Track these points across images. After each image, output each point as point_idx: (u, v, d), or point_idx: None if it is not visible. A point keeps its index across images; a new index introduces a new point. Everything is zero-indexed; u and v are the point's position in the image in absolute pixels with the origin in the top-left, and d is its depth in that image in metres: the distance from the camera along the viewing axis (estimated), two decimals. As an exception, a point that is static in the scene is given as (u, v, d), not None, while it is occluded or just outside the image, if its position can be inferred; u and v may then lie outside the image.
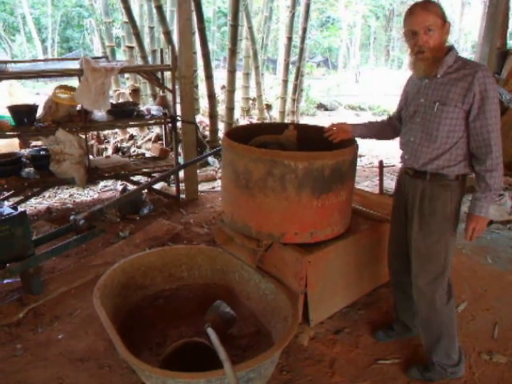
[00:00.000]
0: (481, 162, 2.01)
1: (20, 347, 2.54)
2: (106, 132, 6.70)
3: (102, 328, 2.25)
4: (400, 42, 26.13)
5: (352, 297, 2.96)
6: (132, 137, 6.77)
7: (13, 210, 2.82)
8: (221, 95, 8.61)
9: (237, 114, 8.15)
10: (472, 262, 3.59)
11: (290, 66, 8.88)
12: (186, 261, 2.87)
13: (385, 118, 2.65)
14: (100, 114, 4.42)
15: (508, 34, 6.11)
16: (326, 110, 13.01)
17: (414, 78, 2.24)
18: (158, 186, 5.07)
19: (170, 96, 4.93)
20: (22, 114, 4.08)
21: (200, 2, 5.88)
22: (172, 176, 5.06)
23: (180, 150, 5.09)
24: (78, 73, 4.05)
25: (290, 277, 2.60)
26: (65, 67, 4.95)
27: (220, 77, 8.85)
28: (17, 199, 4.51)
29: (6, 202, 4.18)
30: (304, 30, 8.29)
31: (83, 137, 4.43)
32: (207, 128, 6.95)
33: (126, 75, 7.48)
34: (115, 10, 14.74)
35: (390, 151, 7.69)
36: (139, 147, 6.37)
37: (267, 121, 8.84)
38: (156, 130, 6.59)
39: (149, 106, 5.33)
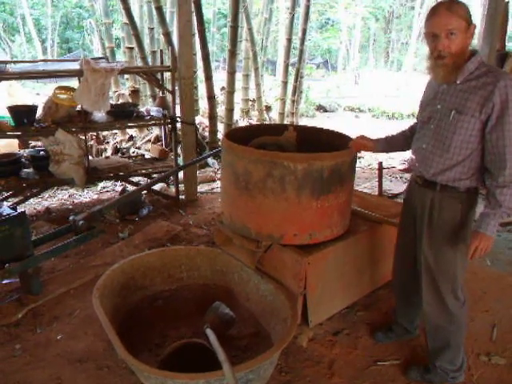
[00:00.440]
0: (493, 177, 1.90)
1: (19, 347, 2.54)
2: (105, 133, 6.70)
3: (101, 328, 2.25)
4: (399, 43, 26.18)
5: (351, 298, 2.96)
6: (131, 138, 6.77)
7: (12, 211, 2.82)
8: (220, 96, 8.61)
9: (236, 115, 8.16)
10: (471, 264, 3.58)
11: (290, 68, 8.88)
12: (185, 262, 2.87)
13: (407, 126, 2.47)
14: (100, 115, 4.41)
15: (507, 37, 6.11)
16: (326, 111, 13.02)
17: (432, 82, 2.12)
18: (157, 187, 5.07)
19: (169, 97, 4.93)
20: (22, 115, 4.08)
21: (200, 3, 5.89)
22: (171, 177, 5.06)
23: (179, 150, 5.09)
24: (78, 73, 4.05)
25: (289, 278, 2.60)
26: (65, 68, 4.97)
27: (220, 78, 8.87)
28: (16, 199, 4.50)
29: (5, 203, 4.18)
30: (304, 32, 8.30)
31: (83, 137, 4.43)
32: (207, 129, 6.95)
33: (126, 76, 7.48)
34: (115, 10, 14.76)
35: (389, 153, 7.70)
36: (139, 148, 6.38)
37: (267, 122, 8.84)
38: (155, 130, 6.60)
39: (148, 106, 5.33)
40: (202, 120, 7.29)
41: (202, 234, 4.07)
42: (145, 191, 4.74)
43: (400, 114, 12.38)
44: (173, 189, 5.06)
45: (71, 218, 3.14)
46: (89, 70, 3.97)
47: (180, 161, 4.98)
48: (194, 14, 5.87)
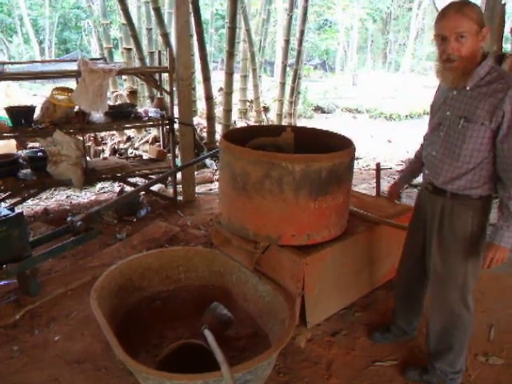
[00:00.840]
0: (505, 188, 1.84)
1: (16, 349, 2.54)
2: (103, 134, 6.70)
3: (98, 330, 2.25)
4: (397, 45, 26.23)
5: (349, 299, 2.96)
6: (129, 138, 6.77)
7: (10, 212, 2.82)
8: (218, 97, 8.62)
9: (234, 116, 8.16)
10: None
11: (288, 69, 8.89)
12: (183, 262, 2.87)
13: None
14: (97, 116, 4.41)
15: (504, 38, 6.13)
16: (324, 112, 13.04)
17: (442, 86, 2.05)
18: (155, 188, 5.07)
19: (167, 98, 4.93)
20: (20, 116, 4.07)
21: (198, 4, 5.89)
22: (169, 178, 5.06)
23: (177, 151, 5.09)
24: (76, 74, 4.05)
25: (287, 279, 2.60)
26: (62, 68, 4.96)
27: (218, 79, 8.86)
28: (14, 200, 4.50)
29: (2, 204, 4.18)
30: (301, 33, 8.32)
31: (80, 138, 4.43)
32: (205, 130, 6.96)
33: (124, 77, 7.47)
34: (113, 11, 14.75)
35: (387, 154, 7.73)
36: (136, 149, 6.37)
37: (264, 123, 8.85)
38: (153, 131, 6.60)
39: (146, 107, 5.33)
40: (199, 121, 7.29)
41: (199, 235, 4.07)
42: (143, 192, 4.73)
43: (398, 115, 12.41)
44: (171, 190, 5.06)
45: (69, 218, 3.13)
46: (87, 70, 3.97)
47: (178, 162, 4.97)
48: (192, 14, 5.87)
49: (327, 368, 2.44)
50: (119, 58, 9.12)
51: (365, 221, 2.99)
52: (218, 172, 5.69)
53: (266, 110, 9.36)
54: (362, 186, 5.67)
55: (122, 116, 4.58)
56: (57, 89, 4.24)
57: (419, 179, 2.42)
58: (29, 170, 4.23)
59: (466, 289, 2.08)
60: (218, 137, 6.81)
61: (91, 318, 2.49)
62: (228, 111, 7.13)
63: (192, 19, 5.97)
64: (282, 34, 9.18)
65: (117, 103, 6.21)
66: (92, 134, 6.35)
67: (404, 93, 15.63)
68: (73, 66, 4.27)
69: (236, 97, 8.36)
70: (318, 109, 13.04)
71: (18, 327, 2.73)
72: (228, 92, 7.02)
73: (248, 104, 9.09)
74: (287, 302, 2.33)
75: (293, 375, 2.38)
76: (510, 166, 1.81)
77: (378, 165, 4.12)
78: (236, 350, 2.43)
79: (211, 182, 5.87)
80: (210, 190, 5.56)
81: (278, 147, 2.76)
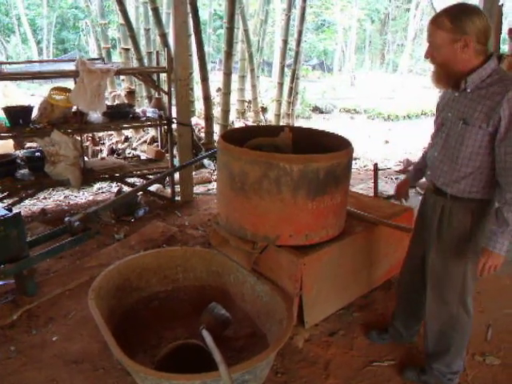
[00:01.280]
0: (501, 192, 1.82)
1: (14, 349, 2.53)
2: (101, 134, 6.68)
3: (96, 330, 2.25)
4: (395, 45, 26.26)
5: (347, 299, 2.97)
6: (127, 139, 6.76)
7: (7, 212, 2.81)
8: (216, 97, 8.62)
9: (232, 116, 8.17)
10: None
11: (286, 69, 8.89)
12: (181, 263, 2.87)
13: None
14: (95, 116, 4.41)
15: (501, 39, 6.15)
16: (322, 112, 13.05)
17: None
18: (153, 188, 5.07)
19: (165, 98, 4.93)
20: (17, 116, 4.07)
21: (196, 4, 5.89)
22: (167, 178, 5.06)
23: (175, 152, 5.09)
24: (74, 74, 4.04)
25: (285, 279, 2.60)
26: (60, 69, 4.95)
27: (216, 79, 8.88)
28: (11, 201, 4.49)
29: (0, 204, 4.17)
30: (300, 33, 8.32)
31: (78, 138, 4.42)
32: (202, 130, 6.95)
33: (122, 77, 7.45)
34: (111, 11, 14.72)
35: (384, 154, 7.74)
36: (134, 149, 6.37)
37: (262, 123, 8.85)
38: (151, 131, 6.59)
39: (144, 107, 5.33)
40: (197, 121, 7.29)
41: (197, 235, 4.07)
42: (141, 192, 4.73)
43: (395, 116, 12.42)
44: (169, 190, 5.06)
45: (67, 219, 3.13)
46: (85, 70, 3.97)
47: (176, 162, 4.97)
48: (190, 15, 5.88)
49: (325, 368, 2.45)
50: (117, 58, 9.09)
51: (362, 221, 2.99)
52: (215, 172, 5.69)
53: (264, 110, 9.37)
54: (360, 186, 5.67)
55: (119, 116, 4.58)
56: (55, 89, 4.23)
57: (423, 180, 2.41)
58: (26, 170, 4.22)
59: (464, 291, 2.07)
60: (216, 137, 6.81)
61: (89, 318, 2.49)
62: (226, 111, 7.12)
63: (190, 19, 5.98)
64: (280, 34, 9.19)
65: (115, 103, 6.20)
66: (90, 134, 6.34)
67: (402, 93, 15.65)
68: (71, 66, 4.27)
69: (234, 97, 8.36)
70: (316, 109, 13.06)
71: (16, 327, 2.72)
72: (226, 92, 7.02)
73: (246, 104, 9.09)
74: (285, 302, 2.33)
75: (291, 375, 2.38)
76: (506, 171, 1.79)
77: (375, 165, 4.13)
78: (234, 350, 2.43)
79: (209, 182, 5.87)
80: (208, 190, 5.56)
81: (275, 147, 2.77)
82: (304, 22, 8.43)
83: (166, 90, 4.71)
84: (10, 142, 5.63)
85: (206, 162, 6.40)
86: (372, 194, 4.25)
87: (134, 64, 6.89)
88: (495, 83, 1.79)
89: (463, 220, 1.98)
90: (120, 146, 6.56)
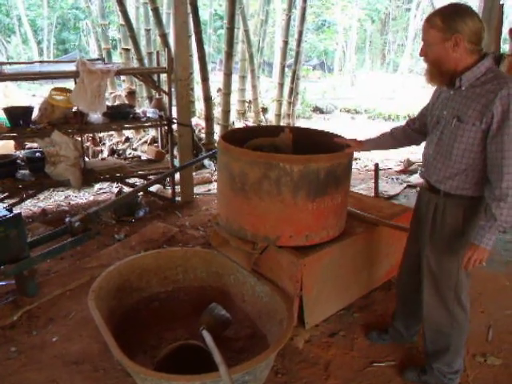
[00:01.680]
0: (491, 189, 1.84)
1: (14, 350, 2.53)
2: (101, 134, 6.69)
3: (96, 330, 2.25)
4: (395, 45, 26.25)
5: (347, 300, 2.97)
6: (128, 139, 6.77)
7: (8, 212, 2.81)
8: (217, 98, 8.61)
9: (232, 116, 8.16)
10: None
11: (286, 69, 8.89)
12: (181, 263, 2.87)
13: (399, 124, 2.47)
14: (96, 116, 4.41)
15: (502, 39, 6.14)
16: (322, 112, 13.04)
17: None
18: (153, 189, 5.07)
19: (165, 98, 4.93)
20: (18, 116, 4.07)
21: (196, 4, 5.89)
22: (168, 178, 5.06)
23: (176, 152, 5.09)
24: (74, 75, 4.05)
25: (285, 280, 2.60)
26: (61, 69, 4.96)
27: (216, 79, 8.87)
28: (12, 201, 4.49)
29: (0, 204, 4.17)
30: (300, 34, 8.32)
31: (79, 139, 4.43)
32: (203, 131, 6.95)
33: (122, 77, 7.46)
34: (111, 12, 14.73)
35: (385, 154, 7.72)
36: (135, 149, 6.37)
37: (263, 124, 8.85)
38: (152, 132, 6.59)
39: (145, 108, 5.33)
40: (198, 121, 7.29)
41: (198, 236, 4.06)
42: (141, 193, 4.73)
43: (396, 116, 12.41)
44: (169, 190, 5.06)
45: (67, 219, 3.14)
46: (85, 71, 3.97)
47: (176, 162, 4.97)
48: (191, 15, 5.88)
49: (325, 369, 2.44)
50: (117, 59, 9.10)
51: (363, 221, 2.99)
52: (216, 173, 5.69)
53: (265, 110, 9.36)
54: (361, 186, 5.67)
55: (120, 116, 4.58)
56: (55, 89, 4.23)
57: (419, 180, 2.42)
58: (27, 171, 4.23)
59: (459, 287, 2.09)
60: (216, 137, 6.81)
61: (89, 318, 2.49)
62: (226, 112, 7.12)
63: (190, 20, 5.98)
64: (280, 34, 9.18)
65: (115, 104, 6.21)
66: (90, 135, 6.34)
67: (402, 93, 15.63)
68: (71, 67, 4.26)
69: (234, 97, 8.36)
70: (317, 109, 13.05)
71: (16, 328, 2.72)
72: (226, 93, 7.02)
73: (246, 105, 9.09)
74: (285, 302, 2.33)
75: (291, 376, 2.38)
76: (495, 168, 1.82)
77: (376, 165, 4.14)
78: (234, 351, 2.42)
79: (210, 182, 5.87)
80: (209, 190, 5.55)
81: (276, 148, 2.77)
82: (304, 22, 8.42)
83: (167, 90, 4.71)
84: (11, 142, 5.64)
85: (206, 162, 6.40)
86: (373, 194, 4.25)
87: (135, 64, 6.89)
88: (490, 81, 1.82)
89: (456, 217, 2.02)
90: (120, 146, 6.57)
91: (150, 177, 4.86)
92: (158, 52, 5.51)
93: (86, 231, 3.13)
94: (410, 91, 15.86)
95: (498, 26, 5.80)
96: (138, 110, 4.94)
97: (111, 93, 6.94)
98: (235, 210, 2.62)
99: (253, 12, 10.93)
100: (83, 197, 5.30)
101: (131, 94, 6.84)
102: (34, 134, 4.10)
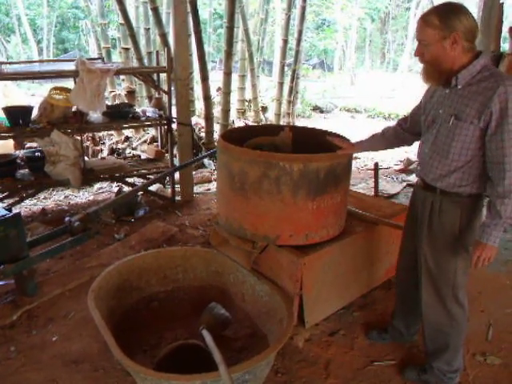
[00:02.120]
0: (493, 186, 1.85)
1: (14, 349, 2.53)
2: (101, 133, 6.68)
3: (96, 330, 2.24)
4: (395, 44, 26.24)
5: (347, 299, 2.96)
6: (127, 138, 6.76)
7: (7, 212, 2.81)
8: (216, 97, 8.60)
9: (232, 115, 8.15)
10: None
11: (286, 68, 8.89)
12: (181, 263, 2.87)
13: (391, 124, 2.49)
14: (95, 116, 4.41)
15: (502, 38, 6.13)
16: (322, 112, 13.02)
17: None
18: (153, 188, 5.06)
19: (165, 98, 4.93)
20: (17, 116, 4.06)
21: (196, 4, 5.88)
22: (167, 178, 5.05)
23: (175, 151, 5.09)
24: (74, 74, 4.04)
25: (285, 279, 2.60)
26: (60, 68, 4.94)
27: (216, 79, 8.84)
28: (11, 201, 4.49)
29: (0, 204, 4.17)
30: (300, 33, 8.31)
31: (78, 138, 4.42)
32: (203, 130, 6.94)
33: (122, 77, 7.45)
34: (111, 11, 14.71)
35: (385, 153, 7.71)
36: (134, 149, 6.36)
37: (263, 123, 8.84)
38: (151, 131, 6.58)
39: (144, 107, 5.33)
40: (198, 121, 7.28)
41: (198, 235, 4.06)
42: (141, 192, 4.73)
43: (396, 115, 12.39)
44: (169, 190, 5.06)
45: (67, 219, 3.13)
46: (84, 70, 3.97)
47: (176, 161, 4.97)
48: (190, 14, 5.87)
49: (325, 368, 2.44)
50: (117, 58, 9.09)
51: (363, 221, 2.99)
52: (216, 172, 5.69)
53: (265, 109, 9.36)
54: (360, 185, 5.67)
55: (120, 116, 4.58)
56: (55, 89, 4.23)
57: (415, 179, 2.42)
58: (26, 170, 4.22)
59: (456, 285, 2.10)
60: (216, 137, 6.80)
61: (89, 318, 2.48)
62: (226, 111, 7.12)
63: (190, 19, 5.97)
64: (280, 33, 9.17)
65: (115, 103, 6.20)
66: (90, 134, 6.33)
67: (402, 92, 15.61)
68: (71, 66, 4.25)
69: (234, 97, 8.35)
70: (317, 108, 13.02)
71: (16, 328, 2.72)
72: (226, 92, 7.01)
73: (246, 104, 9.08)
74: (285, 301, 2.33)
75: (291, 375, 2.38)
76: (498, 166, 1.82)
77: (376, 164, 4.13)
78: (234, 350, 2.42)
79: (209, 181, 5.87)
80: (208, 189, 5.55)
81: (275, 147, 2.76)
82: (304, 21, 8.42)
83: (166, 89, 4.71)
84: (10, 142, 5.62)
85: (206, 161, 6.39)
86: (372, 194, 4.25)
87: (134, 64, 6.88)
88: (486, 79, 1.82)
89: (453, 215, 2.02)
90: (120, 145, 6.56)
91: (150, 176, 4.85)
92: (157, 51, 5.50)
93: (86, 231, 3.12)
94: (410, 90, 15.83)
95: (498, 25, 5.79)
96: (138, 110, 4.93)
97: (111, 92, 6.94)
98: (235, 209, 2.62)
99: (252, 11, 10.92)
100: (83, 196, 5.30)
101: (131, 93, 6.83)
102: (34, 134, 4.10)
